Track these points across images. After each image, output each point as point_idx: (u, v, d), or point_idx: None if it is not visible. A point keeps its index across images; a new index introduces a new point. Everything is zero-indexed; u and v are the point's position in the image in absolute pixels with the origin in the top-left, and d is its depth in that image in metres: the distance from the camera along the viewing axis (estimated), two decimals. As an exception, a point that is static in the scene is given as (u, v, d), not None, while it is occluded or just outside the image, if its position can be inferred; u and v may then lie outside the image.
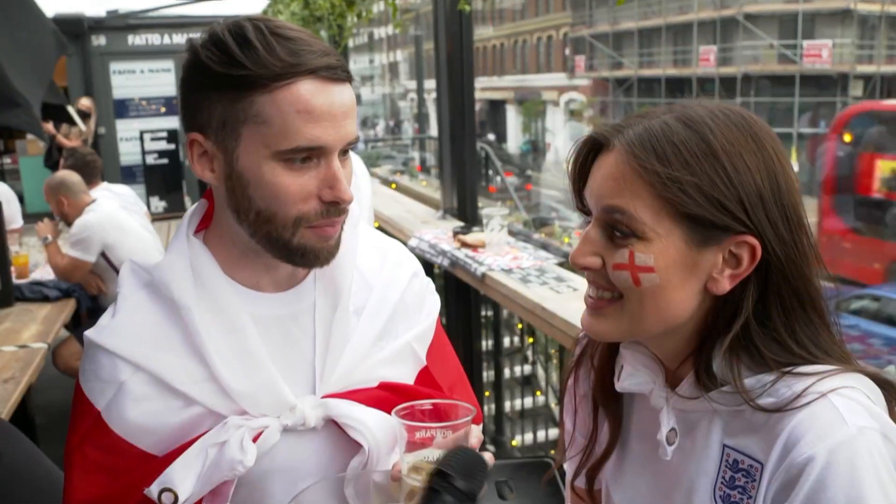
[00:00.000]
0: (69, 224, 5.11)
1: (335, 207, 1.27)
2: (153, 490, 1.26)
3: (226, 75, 1.21)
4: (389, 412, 1.30)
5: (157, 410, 1.30)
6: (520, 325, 5.95)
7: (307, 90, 1.21)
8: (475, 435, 1.29)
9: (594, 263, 1.12)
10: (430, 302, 1.58)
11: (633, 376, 1.21)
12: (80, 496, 1.33)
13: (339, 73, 1.25)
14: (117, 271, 5.00)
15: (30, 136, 9.52)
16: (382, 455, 1.35)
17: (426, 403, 1.31)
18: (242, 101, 1.22)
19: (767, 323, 1.09)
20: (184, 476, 1.27)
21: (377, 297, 1.46)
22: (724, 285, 1.08)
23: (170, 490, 1.26)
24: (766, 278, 1.08)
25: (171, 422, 1.30)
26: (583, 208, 1.18)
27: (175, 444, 1.31)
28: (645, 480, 1.25)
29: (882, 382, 1.09)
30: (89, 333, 1.34)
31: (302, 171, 1.24)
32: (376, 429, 1.34)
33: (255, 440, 1.29)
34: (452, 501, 1.06)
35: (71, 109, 7.88)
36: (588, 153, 1.16)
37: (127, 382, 1.30)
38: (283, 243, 1.28)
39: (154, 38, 10.80)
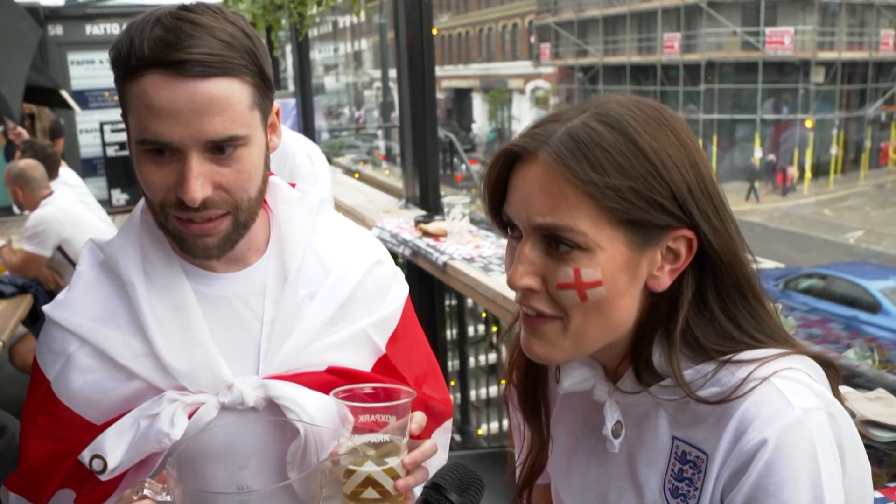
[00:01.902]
0: (22, 210, 5.04)
1: (187, 205, 1.25)
2: (85, 456, 1.30)
3: (113, 62, 1.27)
4: None
5: (100, 383, 1.34)
6: (484, 314, 5.94)
7: (150, 85, 1.21)
8: (416, 421, 1.31)
9: (534, 284, 1.07)
10: (395, 291, 1.57)
11: (571, 375, 1.19)
12: (31, 459, 1.38)
13: (193, 69, 1.20)
14: (74, 265, 4.96)
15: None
16: (325, 439, 1.33)
17: (367, 387, 1.31)
18: (122, 88, 1.27)
19: (706, 313, 1.08)
20: (115, 445, 1.30)
21: (333, 282, 1.46)
22: (665, 281, 1.07)
23: (100, 457, 1.29)
24: (701, 268, 1.07)
25: (113, 394, 1.34)
26: (501, 224, 1.13)
27: (116, 416, 1.33)
28: (593, 475, 1.23)
29: (823, 362, 1.09)
30: (46, 308, 1.40)
31: (163, 163, 1.25)
32: (315, 412, 1.34)
33: (191, 416, 1.31)
34: None
35: (64, 93, 7.80)
36: (505, 166, 1.10)
37: (74, 355, 1.35)
38: (165, 228, 1.32)
39: (113, 28, 10.58)
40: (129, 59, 1.22)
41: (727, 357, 1.04)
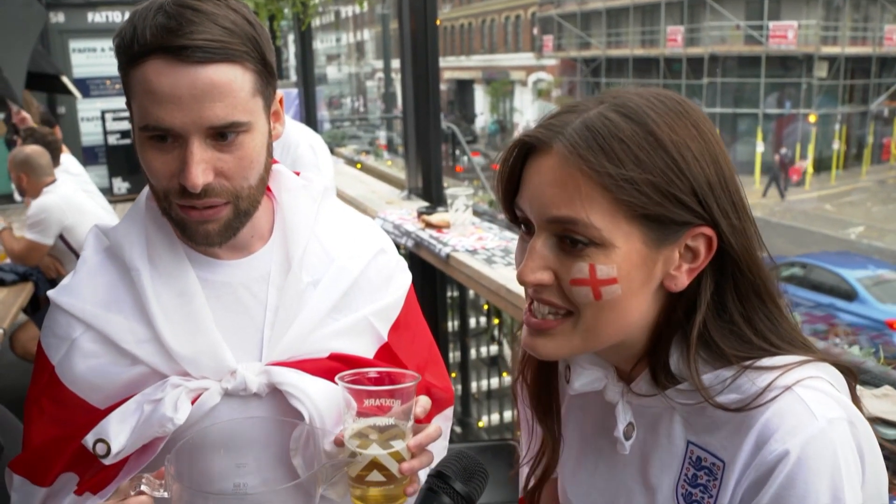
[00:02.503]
0: (23, 195, 5.02)
1: (188, 192, 1.26)
2: (88, 440, 1.31)
3: (116, 50, 1.27)
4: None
5: (104, 367, 1.35)
6: (486, 306, 5.93)
7: (152, 71, 1.22)
8: (421, 405, 1.33)
9: (546, 279, 1.03)
10: (398, 279, 1.58)
11: (582, 375, 1.16)
12: (35, 442, 1.39)
13: (194, 55, 1.21)
14: (76, 253, 4.97)
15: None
16: (327, 425, 1.35)
17: (371, 371, 1.32)
18: (125, 75, 1.28)
19: (724, 315, 1.05)
20: (118, 429, 1.31)
21: (336, 269, 1.47)
22: (683, 281, 1.03)
23: (103, 441, 1.30)
24: (720, 269, 1.04)
25: (117, 379, 1.35)
26: (514, 218, 1.10)
27: (120, 400, 1.35)
28: (601, 476, 1.21)
29: (842, 367, 1.06)
30: (51, 292, 1.41)
31: (165, 149, 1.26)
32: (318, 398, 1.35)
33: (194, 402, 1.32)
34: (449, 503, 1.06)
35: (65, 79, 7.82)
36: (519, 157, 1.06)
37: (78, 340, 1.36)
38: (168, 215, 1.33)
39: (114, 16, 10.55)
40: (131, 45, 1.23)
41: (748, 363, 1.01)
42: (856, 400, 1.06)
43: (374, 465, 1.24)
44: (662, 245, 1.01)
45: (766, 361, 1.01)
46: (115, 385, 1.35)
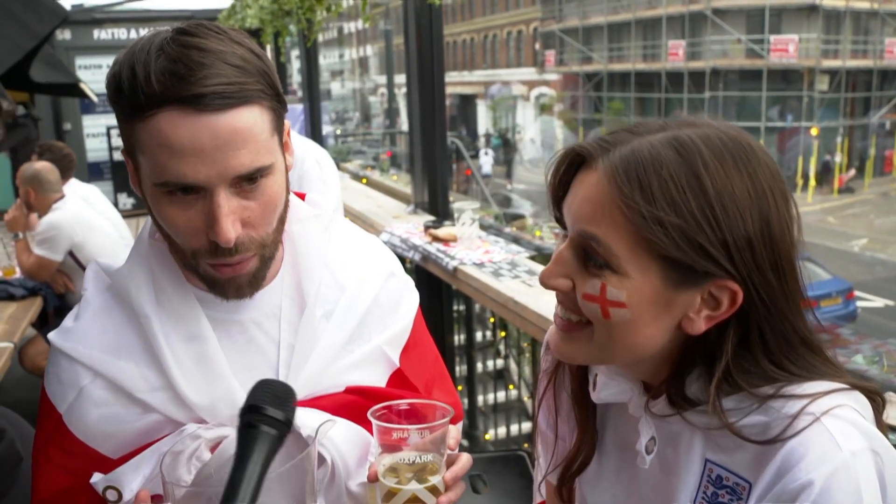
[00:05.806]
0: (30, 210, 5.04)
1: (221, 248, 1.18)
2: (99, 484, 1.26)
3: (113, 98, 1.17)
4: (358, 418, 1.28)
5: (116, 416, 1.29)
6: (492, 319, 5.96)
7: (167, 123, 1.11)
8: (452, 436, 1.28)
9: (564, 286, 1.05)
10: (406, 301, 1.54)
11: (608, 386, 1.17)
12: (44, 494, 1.33)
13: (213, 102, 1.11)
14: (85, 269, 4.98)
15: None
16: (351, 466, 1.32)
17: (402, 404, 1.28)
18: (129, 127, 1.17)
19: (748, 357, 1.03)
20: (132, 477, 1.26)
21: (348, 299, 1.42)
22: (700, 326, 1.02)
23: (114, 488, 1.26)
24: (747, 320, 1.02)
25: (130, 428, 1.29)
26: (560, 220, 1.10)
27: (134, 449, 1.29)
28: (622, 488, 1.22)
29: (869, 393, 1.05)
30: (53, 337, 1.34)
31: (187, 204, 1.17)
32: (339, 440, 1.31)
33: (213, 450, 1.26)
34: (272, 431, 0.98)
35: (83, 86, 7.91)
36: (570, 165, 1.07)
37: (87, 388, 1.30)
38: (193, 270, 1.26)
39: (120, 33, 10.62)
40: (134, 95, 1.12)
41: (770, 392, 1.01)
42: (882, 426, 1.04)
43: (413, 500, 1.22)
44: (681, 287, 1.00)
45: (793, 389, 1.00)
46: (127, 433, 1.30)
